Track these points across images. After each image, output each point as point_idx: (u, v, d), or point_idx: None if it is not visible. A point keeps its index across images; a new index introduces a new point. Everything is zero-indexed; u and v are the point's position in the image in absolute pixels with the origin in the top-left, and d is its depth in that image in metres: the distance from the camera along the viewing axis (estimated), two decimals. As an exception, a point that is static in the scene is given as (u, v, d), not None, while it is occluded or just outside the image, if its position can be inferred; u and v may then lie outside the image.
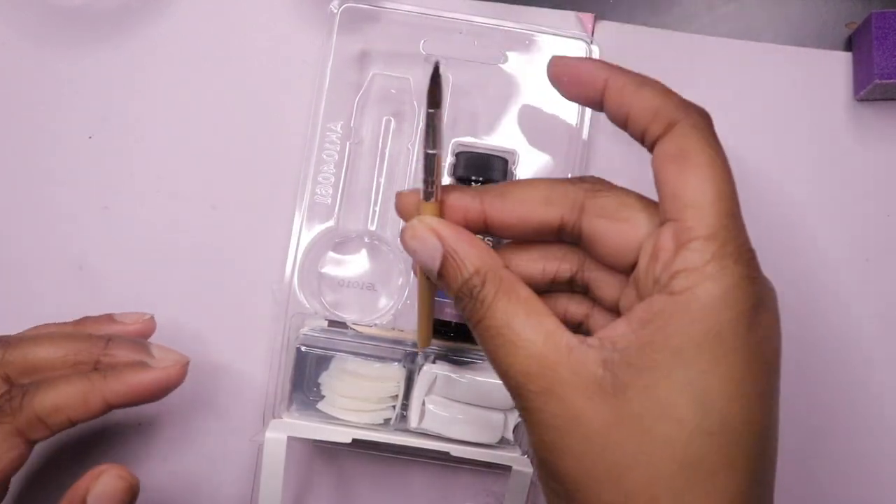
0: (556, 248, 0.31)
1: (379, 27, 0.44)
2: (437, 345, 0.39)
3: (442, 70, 0.27)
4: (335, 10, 0.43)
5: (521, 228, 0.29)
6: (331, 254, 0.43)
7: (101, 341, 0.35)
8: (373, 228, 0.43)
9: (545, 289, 0.31)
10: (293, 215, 0.42)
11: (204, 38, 0.45)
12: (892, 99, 0.44)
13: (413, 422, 0.38)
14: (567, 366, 0.26)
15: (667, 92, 0.27)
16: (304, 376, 0.39)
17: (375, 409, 0.39)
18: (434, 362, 0.39)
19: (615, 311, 0.30)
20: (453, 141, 0.43)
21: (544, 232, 0.29)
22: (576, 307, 0.31)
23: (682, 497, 0.24)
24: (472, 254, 0.28)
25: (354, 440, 0.38)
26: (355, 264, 0.43)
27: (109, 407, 0.34)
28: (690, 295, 0.25)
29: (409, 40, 0.43)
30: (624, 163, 0.43)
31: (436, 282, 0.29)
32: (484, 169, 0.41)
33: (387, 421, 0.39)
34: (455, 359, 0.39)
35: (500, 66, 0.44)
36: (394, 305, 0.43)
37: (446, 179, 0.41)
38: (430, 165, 0.28)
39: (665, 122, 0.27)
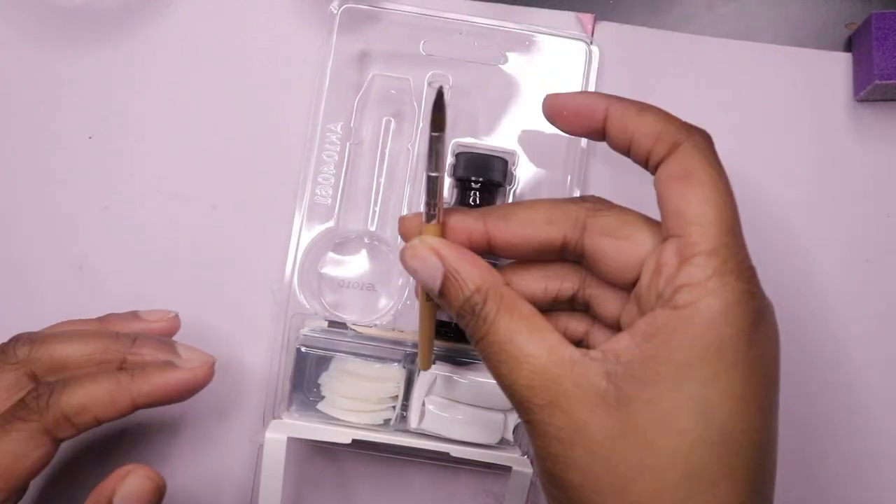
0: (558, 267, 0.31)
1: (379, 27, 0.44)
2: (437, 345, 0.39)
3: (446, 95, 0.27)
4: (335, 11, 0.43)
5: (525, 248, 0.30)
6: (331, 254, 0.43)
7: (127, 340, 0.35)
8: (373, 229, 0.43)
9: (547, 307, 0.31)
10: (293, 215, 0.42)
11: (204, 38, 0.45)
12: (892, 99, 0.44)
13: (413, 422, 0.38)
14: (570, 378, 0.26)
15: (668, 116, 0.28)
16: (304, 377, 0.39)
17: (375, 409, 0.39)
18: (434, 363, 0.39)
19: (615, 327, 0.30)
20: (453, 141, 0.43)
21: (547, 251, 0.30)
22: (576, 324, 0.32)
23: None
24: (472, 272, 0.28)
25: (354, 441, 0.38)
26: (355, 265, 0.43)
27: (136, 407, 0.34)
28: (694, 309, 0.25)
29: (409, 41, 0.43)
30: (623, 162, 0.43)
31: (437, 301, 0.30)
32: (484, 169, 0.41)
33: (386, 421, 0.39)
34: (455, 359, 0.39)
35: (500, 66, 0.44)
36: (394, 306, 0.43)
37: (446, 180, 0.41)
38: (433, 188, 0.28)
39: (668, 143, 0.27)
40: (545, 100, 0.30)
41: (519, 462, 0.38)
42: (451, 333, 0.40)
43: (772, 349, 0.27)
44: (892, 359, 0.43)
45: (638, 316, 0.27)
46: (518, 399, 0.27)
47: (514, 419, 0.39)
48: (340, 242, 0.43)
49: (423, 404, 0.38)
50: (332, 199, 0.43)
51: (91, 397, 0.33)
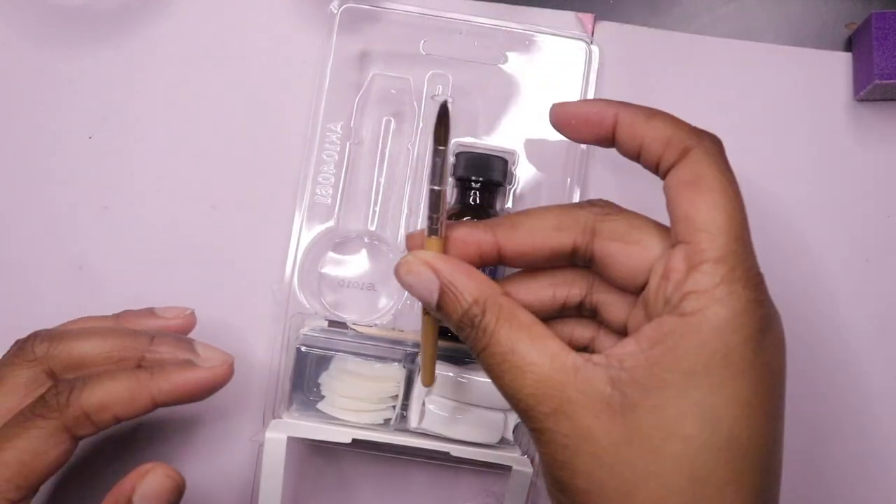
0: (566, 274, 0.31)
1: (379, 27, 0.44)
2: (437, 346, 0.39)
3: (451, 108, 0.27)
4: (335, 11, 0.43)
5: (536, 256, 0.30)
6: (331, 254, 0.43)
7: (145, 337, 0.35)
8: (373, 228, 0.43)
9: (556, 314, 0.32)
10: (293, 215, 0.42)
11: (204, 38, 0.45)
12: (892, 99, 0.44)
13: (413, 422, 0.38)
14: (574, 385, 0.26)
15: (677, 121, 0.28)
16: (304, 376, 0.39)
17: (375, 409, 0.39)
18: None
19: (622, 333, 0.30)
20: (453, 141, 0.43)
21: (557, 257, 0.30)
22: (581, 331, 0.32)
23: None
24: (469, 284, 0.28)
25: (354, 440, 0.38)
26: (355, 264, 0.43)
27: (156, 405, 0.33)
28: (701, 317, 0.25)
29: (409, 40, 0.43)
30: (623, 161, 0.43)
31: (435, 314, 0.29)
32: (484, 169, 0.41)
33: (387, 421, 0.39)
34: (455, 359, 0.39)
35: (500, 66, 0.44)
36: (394, 305, 0.43)
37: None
38: (435, 201, 0.28)
39: (679, 149, 0.27)
40: (552, 109, 0.30)
41: (519, 461, 0.38)
42: (451, 333, 0.40)
43: (778, 357, 0.27)
44: (893, 358, 0.43)
45: (645, 321, 0.27)
46: (523, 408, 0.27)
47: (514, 419, 0.39)
48: (340, 242, 0.43)
49: (424, 404, 0.38)
50: (332, 199, 0.43)
51: (111, 395, 0.32)
